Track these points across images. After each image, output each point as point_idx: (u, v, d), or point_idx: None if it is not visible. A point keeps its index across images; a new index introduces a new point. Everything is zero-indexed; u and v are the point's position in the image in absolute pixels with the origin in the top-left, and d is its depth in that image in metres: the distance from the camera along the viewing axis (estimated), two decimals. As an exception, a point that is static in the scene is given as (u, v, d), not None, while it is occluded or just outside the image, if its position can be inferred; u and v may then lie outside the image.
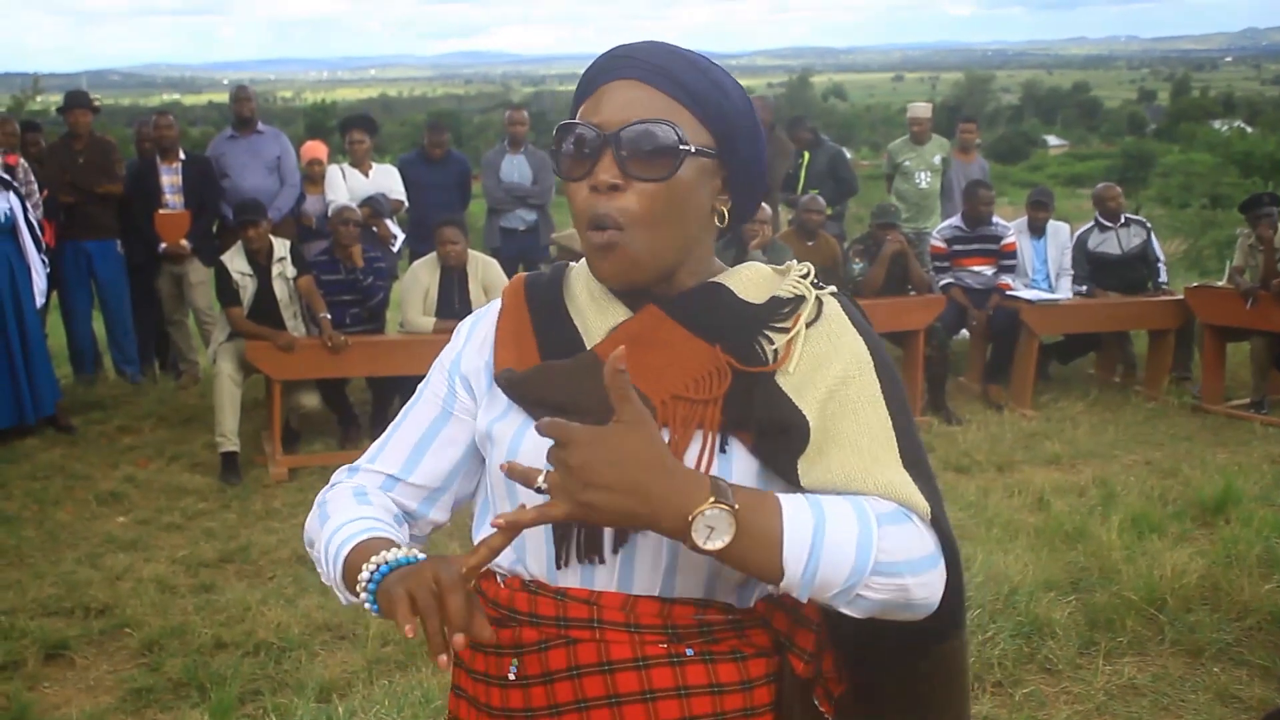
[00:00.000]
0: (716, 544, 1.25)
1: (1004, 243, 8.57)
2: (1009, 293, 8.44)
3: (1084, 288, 8.73)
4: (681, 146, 1.41)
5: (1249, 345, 8.20)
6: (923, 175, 9.92)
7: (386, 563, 1.37)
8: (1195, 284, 9.09)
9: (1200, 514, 5.76)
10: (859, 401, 1.41)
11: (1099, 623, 4.45)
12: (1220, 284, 8.80)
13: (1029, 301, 8.32)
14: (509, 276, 7.62)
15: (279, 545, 5.62)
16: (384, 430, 1.68)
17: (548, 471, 1.27)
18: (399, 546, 1.40)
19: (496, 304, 1.64)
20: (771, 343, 1.44)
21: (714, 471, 1.39)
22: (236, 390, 6.87)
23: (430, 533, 1.67)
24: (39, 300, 7.28)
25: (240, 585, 5.15)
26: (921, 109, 10.37)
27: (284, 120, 58.06)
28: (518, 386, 1.50)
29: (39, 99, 28.90)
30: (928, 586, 1.33)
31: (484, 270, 7.25)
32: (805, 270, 1.51)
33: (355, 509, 1.53)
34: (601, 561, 1.44)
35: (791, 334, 1.44)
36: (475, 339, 1.62)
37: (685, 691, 1.43)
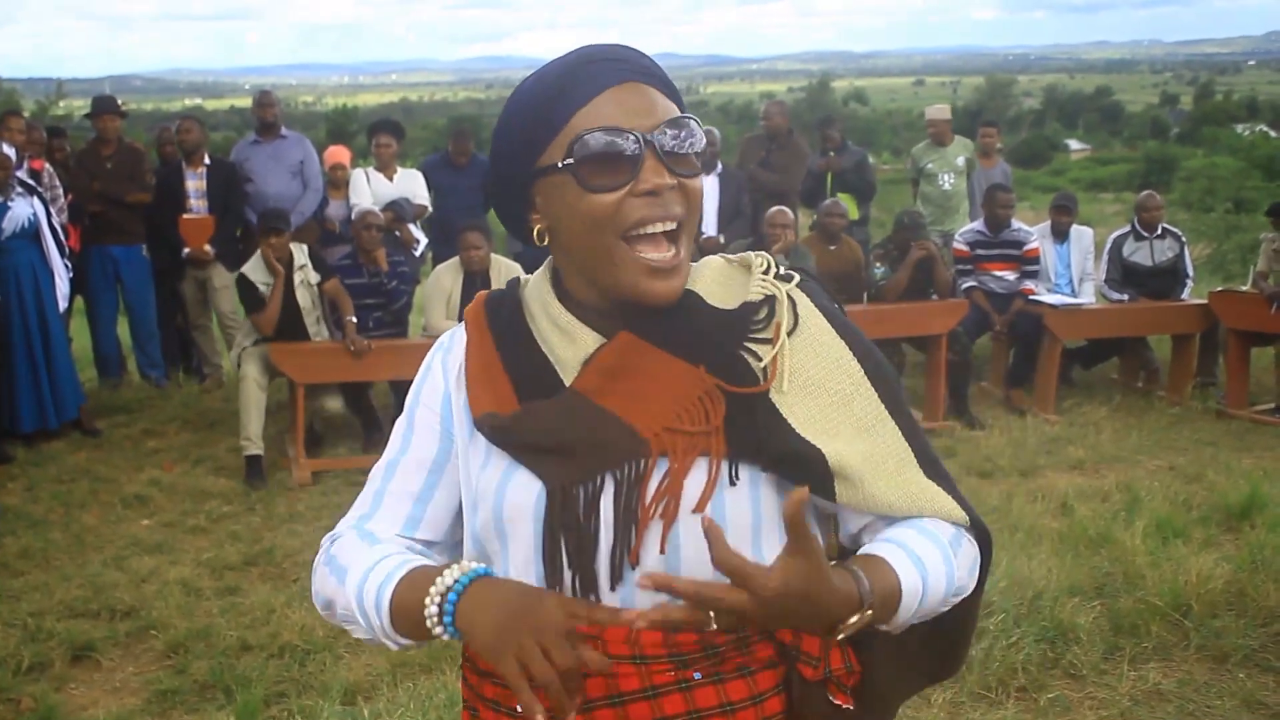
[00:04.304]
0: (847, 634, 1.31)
1: (1026, 248, 8.53)
2: (1032, 297, 8.42)
3: (1125, 296, 8.69)
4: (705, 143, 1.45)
5: (1274, 350, 8.16)
6: (946, 177, 9.88)
7: (456, 584, 1.33)
8: (1219, 288, 9.05)
9: (1225, 519, 5.74)
10: (867, 420, 1.42)
11: (1124, 628, 4.44)
12: (1244, 289, 8.75)
13: (1052, 306, 8.29)
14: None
15: (303, 548, 5.64)
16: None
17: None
18: (450, 566, 1.36)
19: (461, 335, 1.56)
20: (758, 358, 1.41)
21: (725, 505, 1.38)
22: (262, 394, 6.89)
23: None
24: (61, 305, 7.33)
25: (265, 588, 5.17)
26: (938, 111, 10.34)
27: (305, 125, 58.26)
28: (503, 433, 1.44)
29: (62, 104, 29.13)
30: (973, 587, 1.46)
31: (507, 274, 7.26)
32: (765, 264, 1.49)
33: (372, 551, 1.46)
34: (599, 599, 1.40)
35: (776, 349, 1.41)
36: (451, 374, 1.54)
37: (697, 715, 1.41)
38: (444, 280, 7.26)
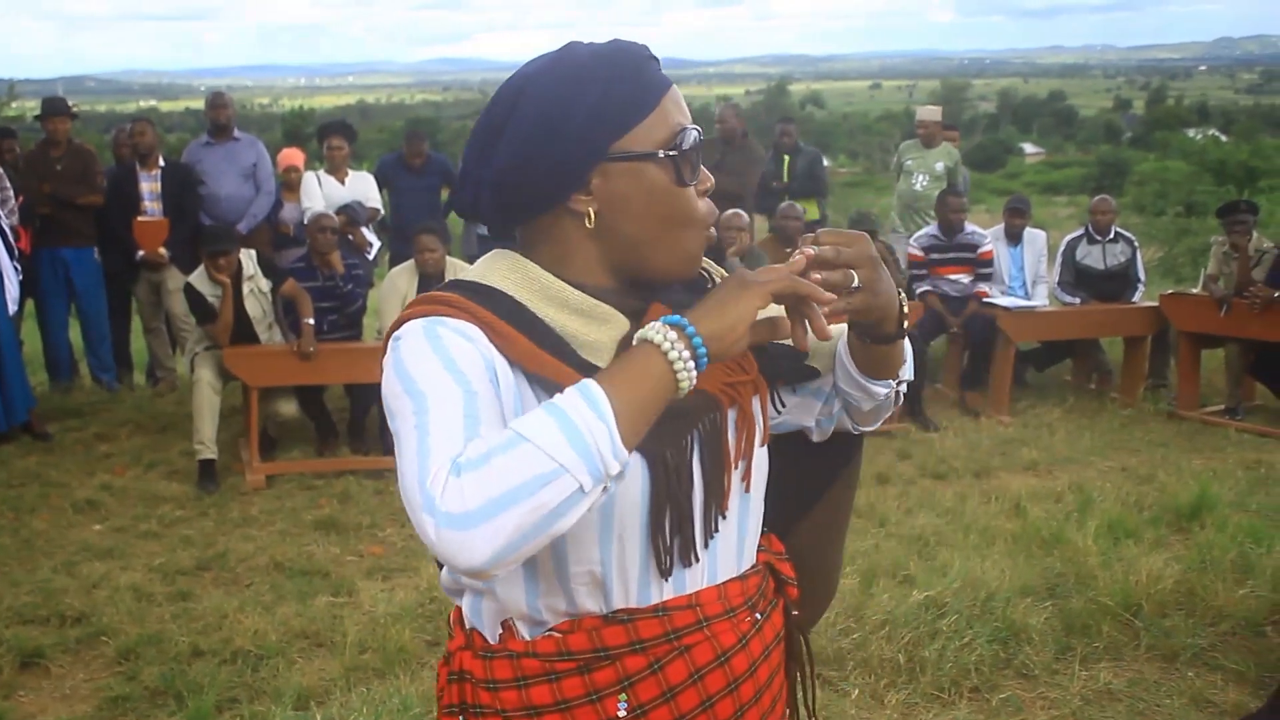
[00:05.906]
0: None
1: (981, 251, 8.59)
2: (985, 300, 8.47)
3: (1077, 299, 8.76)
4: None
5: (1224, 352, 8.26)
6: (920, 178, 9.84)
7: (673, 319, 1.34)
8: (1170, 291, 9.14)
9: (1175, 520, 5.80)
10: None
11: (1075, 628, 4.48)
12: (1195, 291, 8.85)
13: (1005, 308, 8.35)
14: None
15: (256, 553, 5.60)
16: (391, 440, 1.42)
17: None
18: (645, 328, 1.37)
19: (456, 321, 1.40)
20: None
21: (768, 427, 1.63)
22: (216, 398, 6.82)
23: None
24: (11, 308, 7.23)
25: (217, 593, 5.13)
26: (928, 112, 10.32)
27: (261, 127, 57.90)
28: None
29: (14, 105, 28.79)
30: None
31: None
32: None
33: (528, 413, 1.29)
34: (696, 561, 1.50)
35: None
36: (479, 342, 1.39)
37: (766, 651, 1.58)
38: (399, 283, 7.22)
